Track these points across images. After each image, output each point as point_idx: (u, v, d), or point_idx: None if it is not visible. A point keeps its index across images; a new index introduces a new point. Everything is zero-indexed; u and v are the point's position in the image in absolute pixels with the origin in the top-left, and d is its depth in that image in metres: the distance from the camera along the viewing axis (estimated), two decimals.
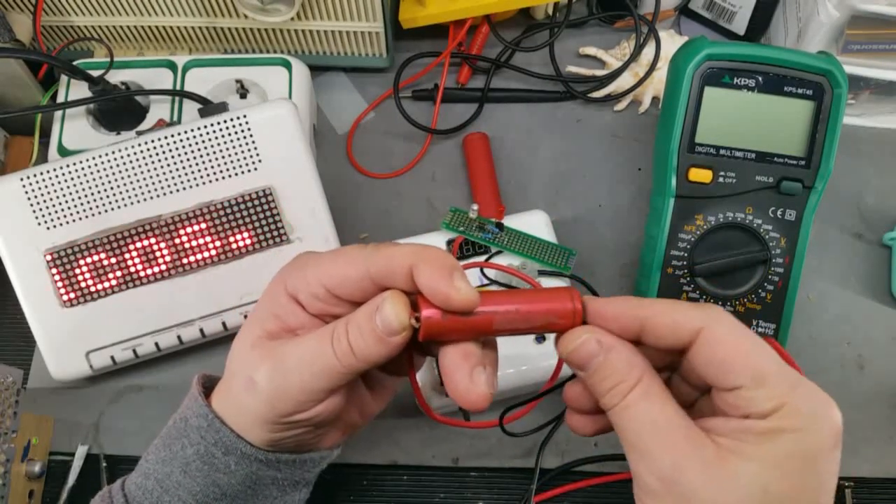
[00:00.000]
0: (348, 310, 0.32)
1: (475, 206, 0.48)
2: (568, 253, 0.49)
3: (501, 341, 0.33)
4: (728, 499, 0.27)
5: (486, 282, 0.47)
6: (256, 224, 0.47)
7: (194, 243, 0.47)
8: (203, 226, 0.47)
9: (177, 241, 0.47)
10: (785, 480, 0.27)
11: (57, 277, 0.46)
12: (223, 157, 0.47)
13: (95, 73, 0.52)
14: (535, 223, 0.50)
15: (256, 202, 0.47)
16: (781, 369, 0.29)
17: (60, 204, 0.46)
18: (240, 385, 0.33)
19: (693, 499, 0.27)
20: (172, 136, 0.46)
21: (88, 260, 0.46)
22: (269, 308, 0.33)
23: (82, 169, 0.46)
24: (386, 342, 0.30)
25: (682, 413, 0.29)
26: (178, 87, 0.54)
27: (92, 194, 0.46)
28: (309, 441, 0.35)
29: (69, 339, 0.47)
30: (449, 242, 0.49)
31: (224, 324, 0.48)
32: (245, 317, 0.48)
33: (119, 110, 0.54)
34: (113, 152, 0.46)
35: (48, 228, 0.46)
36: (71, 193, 0.46)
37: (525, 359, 0.46)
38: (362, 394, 0.37)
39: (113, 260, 0.47)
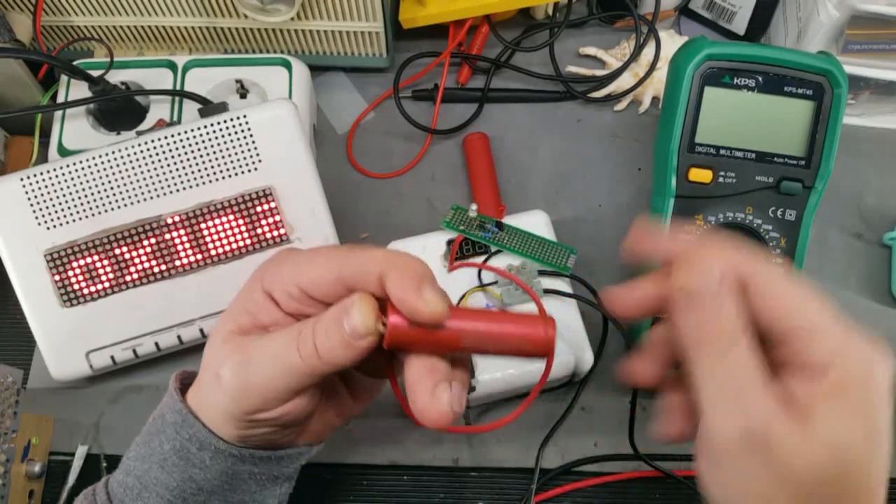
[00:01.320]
0: (321, 310, 0.31)
1: (474, 206, 0.48)
2: (568, 252, 0.49)
3: None
4: (813, 453, 0.27)
5: (484, 282, 0.47)
6: (256, 224, 0.47)
7: (194, 243, 0.47)
8: (203, 226, 0.47)
9: (177, 241, 0.47)
10: (863, 431, 0.27)
11: (57, 277, 0.46)
12: (223, 157, 0.47)
13: (95, 73, 0.52)
14: (535, 223, 0.50)
15: (256, 202, 0.47)
16: (832, 320, 0.28)
17: (60, 204, 0.46)
18: (209, 379, 0.33)
19: (779, 452, 0.27)
20: (172, 136, 0.46)
21: (88, 260, 0.46)
22: (243, 303, 0.33)
23: (82, 169, 0.46)
24: (351, 346, 0.30)
25: (767, 373, 0.28)
26: (178, 87, 0.54)
27: (92, 194, 0.46)
28: (280, 439, 0.35)
29: (69, 339, 0.47)
30: (449, 242, 0.49)
31: None
32: None
33: (119, 110, 0.54)
34: (113, 152, 0.46)
35: (48, 228, 0.46)
36: (71, 193, 0.46)
37: (524, 360, 0.45)
38: (342, 395, 0.37)
39: (113, 260, 0.47)
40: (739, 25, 0.60)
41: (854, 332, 0.28)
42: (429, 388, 0.29)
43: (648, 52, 0.59)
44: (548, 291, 0.47)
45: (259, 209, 0.47)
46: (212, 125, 0.46)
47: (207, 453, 0.34)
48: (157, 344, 0.48)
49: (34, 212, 0.46)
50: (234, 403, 0.32)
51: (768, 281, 0.28)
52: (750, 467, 0.27)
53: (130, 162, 0.46)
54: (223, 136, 0.47)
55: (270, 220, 0.47)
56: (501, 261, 0.48)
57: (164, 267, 0.47)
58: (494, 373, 0.46)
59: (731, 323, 0.28)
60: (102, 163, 0.46)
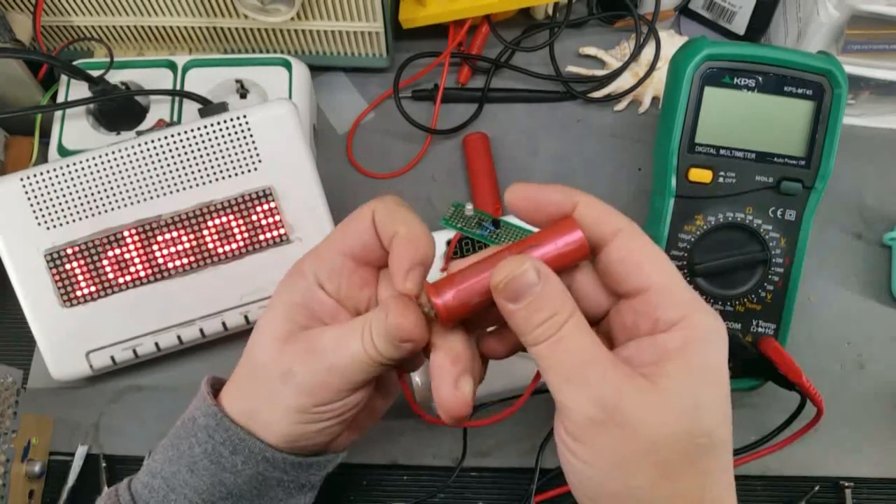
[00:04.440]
0: (370, 277, 0.33)
1: (469, 205, 0.48)
2: None
3: None
4: (666, 418, 0.28)
5: None
6: (256, 224, 0.47)
7: (194, 243, 0.47)
8: (203, 226, 0.47)
9: (177, 241, 0.47)
10: (707, 389, 0.29)
11: (57, 277, 0.46)
12: (223, 157, 0.47)
13: (95, 73, 0.52)
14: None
15: (256, 202, 0.47)
16: (684, 283, 0.30)
17: (60, 204, 0.46)
18: (272, 377, 0.33)
19: (634, 422, 0.28)
20: (172, 136, 0.46)
21: (88, 260, 0.46)
22: (291, 299, 0.34)
23: (82, 169, 0.46)
24: (399, 347, 0.31)
25: (605, 347, 0.29)
26: (178, 87, 0.54)
27: (92, 194, 0.46)
28: (327, 439, 0.35)
29: (69, 339, 0.47)
30: (448, 242, 0.49)
31: (224, 324, 0.48)
32: (245, 317, 0.48)
33: (119, 110, 0.54)
34: (113, 152, 0.46)
35: (48, 228, 0.46)
36: (71, 193, 0.46)
37: (524, 360, 0.45)
38: (372, 392, 0.37)
39: (113, 260, 0.47)
40: (739, 25, 0.60)
41: (699, 297, 0.30)
42: (452, 378, 0.30)
43: (648, 52, 0.59)
44: None
45: (259, 209, 0.47)
46: (212, 125, 0.46)
47: (240, 457, 0.34)
48: (157, 344, 0.48)
49: (34, 212, 0.46)
50: (308, 396, 0.32)
51: (627, 242, 0.30)
52: (609, 439, 0.28)
53: (130, 162, 0.46)
54: (223, 136, 0.47)
55: (270, 220, 0.47)
56: None
57: (164, 267, 0.47)
58: (494, 372, 0.45)
59: (559, 307, 0.29)
60: (102, 163, 0.46)
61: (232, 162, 0.47)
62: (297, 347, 0.33)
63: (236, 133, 0.47)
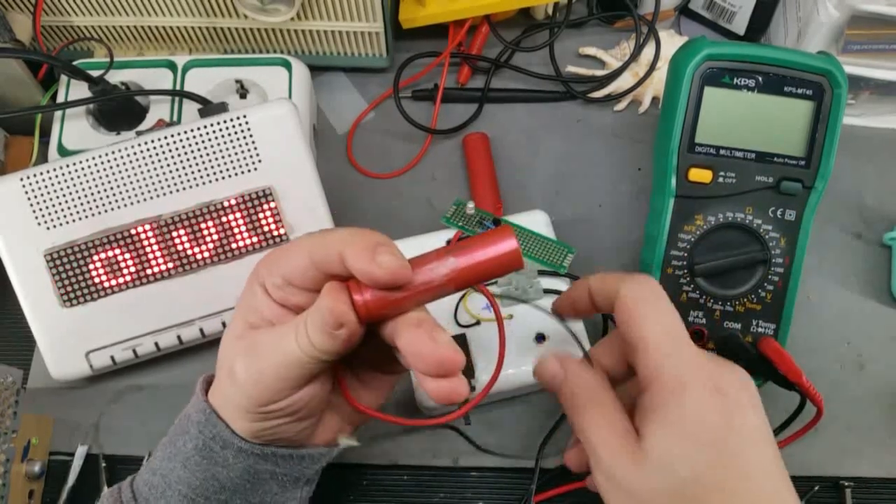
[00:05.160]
0: (306, 298, 0.33)
1: (471, 203, 0.48)
2: (566, 250, 0.49)
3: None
4: (651, 481, 0.30)
5: None
6: (256, 224, 0.47)
7: (194, 243, 0.47)
8: (203, 226, 0.47)
9: (177, 241, 0.47)
10: (684, 442, 0.30)
11: (57, 277, 0.46)
12: (223, 157, 0.47)
13: (95, 73, 0.52)
14: (534, 223, 0.50)
15: (256, 202, 0.47)
16: (663, 336, 0.31)
17: (60, 204, 0.46)
18: (223, 376, 0.34)
19: (629, 490, 0.31)
20: (172, 136, 0.46)
21: (88, 260, 0.46)
22: (247, 300, 0.34)
23: (82, 169, 0.46)
24: (334, 335, 0.30)
25: (622, 412, 0.32)
26: (178, 87, 0.54)
27: (92, 194, 0.46)
28: (297, 435, 0.35)
29: (69, 339, 0.47)
30: (448, 242, 0.49)
31: (224, 324, 0.48)
32: None
33: (119, 110, 0.54)
34: (113, 152, 0.46)
35: (48, 228, 0.46)
36: (71, 193, 0.46)
37: (525, 359, 0.46)
38: (356, 389, 0.37)
39: (113, 260, 0.47)
40: (739, 25, 0.60)
41: (679, 346, 0.31)
42: (426, 337, 0.30)
43: (648, 52, 0.59)
44: (548, 291, 0.47)
45: (259, 209, 0.47)
46: (212, 125, 0.46)
47: (230, 451, 0.34)
48: (157, 344, 0.48)
49: (34, 212, 0.46)
50: (248, 397, 0.33)
51: (627, 300, 0.33)
52: (615, 500, 0.32)
53: (130, 162, 0.46)
54: (223, 136, 0.47)
55: (270, 220, 0.47)
56: None
57: (164, 267, 0.47)
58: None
59: (585, 390, 0.34)
60: (102, 163, 0.46)
61: (232, 162, 0.47)
62: (241, 345, 0.33)
63: (236, 133, 0.47)
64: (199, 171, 0.47)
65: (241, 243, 0.47)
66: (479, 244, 0.31)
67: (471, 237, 0.32)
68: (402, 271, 0.30)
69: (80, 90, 0.53)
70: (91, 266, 0.47)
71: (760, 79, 0.45)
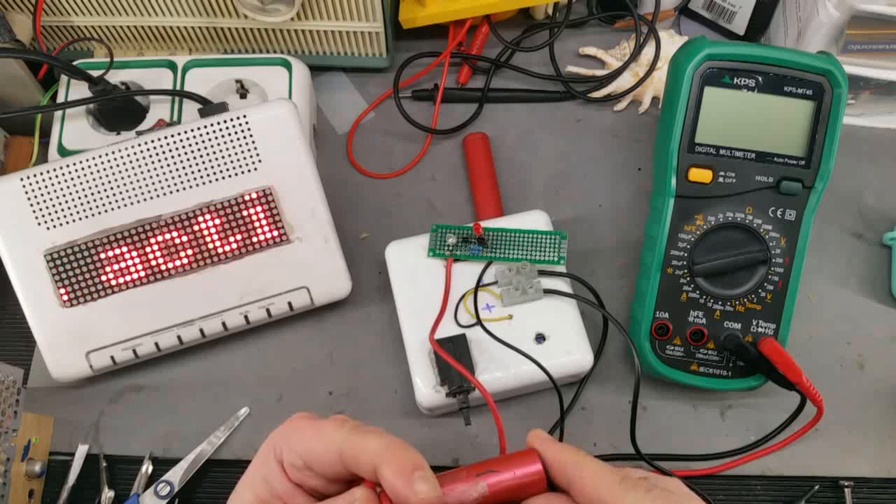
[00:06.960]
0: (325, 484, 0.32)
1: (451, 235, 0.48)
2: (559, 237, 0.48)
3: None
4: None
5: (484, 282, 0.48)
6: (256, 224, 0.47)
7: (194, 243, 0.47)
8: (203, 226, 0.47)
9: (177, 241, 0.47)
10: None
11: (57, 277, 0.46)
12: (223, 157, 0.47)
13: (95, 73, 0.52)
14: (534, 223, 0.50)
15: (256, 202, 0.47)
16: (593, 485, 0.31)
17: (60, 204, 0.46)
18: None
19: None
20: (172, 136, 0.46)
21: (88, 260, 0.46)
22: (259, 471, 0.33)
23: (82, 169, 0.46)
24: None
25: None
26: (178, 87, 0.54)
27: (92, 194, 0.46)
28: None
29: (69, 339, 0.47)
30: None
31: (224, 324, 0.48)
32: (245, 317, 0.48)
33: (119, 110, 0.54)
34: (113, 152, 0.46)
35: (48, 228, 0.46)
36: (71, 193, 0.46)
37: (524, 360, 0.45)
38: None
39: (113, 260, 0.47)
40: (739, 25, 0.60)
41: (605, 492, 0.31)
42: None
43: (648, 52, 0.59)
44: (548, 291, 0.47)
45: (259, 209, 0.47)
46: (212, 125, 0.46)
47: None
48: (157, 344, 0.48)
49: (34, 212, 0.46)
50: None
51: (566, 463, 0.32)
52: None
53: (130, 162, 0.46)
54: (223, 136, 0.47)
55: (270, 220, 0.47)
56: (496, 268, 0.48)
57: (163, 267, 0.47)
58: (494, 372, 0.46)
59: None
60: (102, 163, 0.46)
61: (232, 162, 0.47)
62: None
63: (236, 133, 0.47)
64: (199, 171, 0.47)
65: (240, 243, 0.47)
66: (506, 466, 0.32)
67: (497, 458, 0.32)
68: (437, 501, 0.30)
69: (80, 90, 0.54)
70: (91, 266, 0.47)
71: (760, 79, 0.45)
